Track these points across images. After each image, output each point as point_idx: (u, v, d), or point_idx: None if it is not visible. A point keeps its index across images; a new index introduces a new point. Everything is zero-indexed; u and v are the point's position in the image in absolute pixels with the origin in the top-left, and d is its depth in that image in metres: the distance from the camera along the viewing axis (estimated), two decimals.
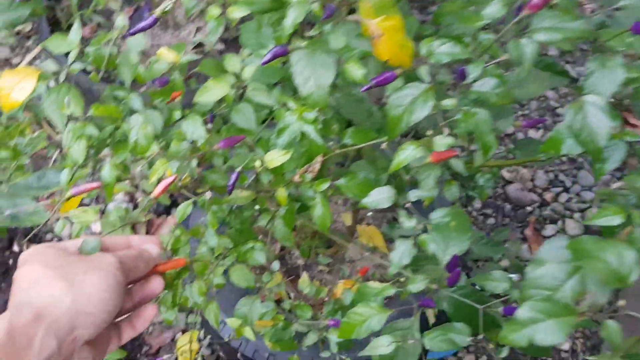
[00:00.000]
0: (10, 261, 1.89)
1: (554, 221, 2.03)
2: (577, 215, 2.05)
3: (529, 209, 2.07)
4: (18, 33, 2.21)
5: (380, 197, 0.77)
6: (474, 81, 0.71)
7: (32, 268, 0.57)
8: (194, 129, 0.78)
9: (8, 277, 1.85)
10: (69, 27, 2.11)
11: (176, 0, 0.85)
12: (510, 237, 2.01)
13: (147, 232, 2.04)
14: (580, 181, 2.12)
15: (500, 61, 0.72)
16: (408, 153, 0.71)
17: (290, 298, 1.88)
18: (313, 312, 1.05)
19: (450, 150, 0.71)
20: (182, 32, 2.05)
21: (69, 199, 0.66)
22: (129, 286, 0.69)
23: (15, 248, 1.92)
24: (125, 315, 0.68)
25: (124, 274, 0.62)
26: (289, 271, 1.75)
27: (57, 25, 2.01)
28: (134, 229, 1.94)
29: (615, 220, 0.59)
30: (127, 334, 0.67)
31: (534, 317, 0.48)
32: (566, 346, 1.81)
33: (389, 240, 1.90)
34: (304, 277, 1.04)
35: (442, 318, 0.90)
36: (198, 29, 2.07)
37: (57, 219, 2.09)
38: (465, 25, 0.77)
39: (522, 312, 0.48)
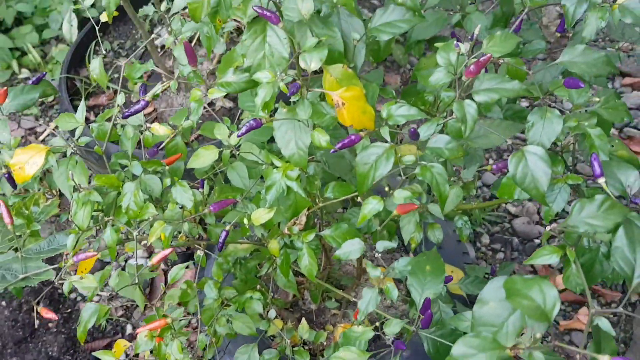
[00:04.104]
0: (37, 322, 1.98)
1: None
2: None
3: (537, 241, 2.10)
4: (42, 103, 2.37)
5: (352, 248, 0.83)
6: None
7: None
8: (182, 194, 0.86)
9: (35, 338, 1.94)
10: (88, 95, 2.25)
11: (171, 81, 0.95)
12: (521, 270, 2.04)
13: (165, 284, 2.13)
14: None
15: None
16: (372, 207, 0.78)
17: (306, 343, 1.93)
18: (316, 356, 1.10)
19: (411, 204, 0.78)
20: None
21: (74, 264, 0.74)
22: None
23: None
24: None
25: None
26: (304, 316, 1.80)
27: (77, 95, 2.16)
28: (153, 282, 2.02)
29: (552, 259, 0.65)
30: None
31: (467, 352, 0.53)
32: None
33: (399, 281, 1.94)
34: (303, 323, 1.10)
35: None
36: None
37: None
38: (427, 85, 0.85)
39: (457, 348, 0.54)
